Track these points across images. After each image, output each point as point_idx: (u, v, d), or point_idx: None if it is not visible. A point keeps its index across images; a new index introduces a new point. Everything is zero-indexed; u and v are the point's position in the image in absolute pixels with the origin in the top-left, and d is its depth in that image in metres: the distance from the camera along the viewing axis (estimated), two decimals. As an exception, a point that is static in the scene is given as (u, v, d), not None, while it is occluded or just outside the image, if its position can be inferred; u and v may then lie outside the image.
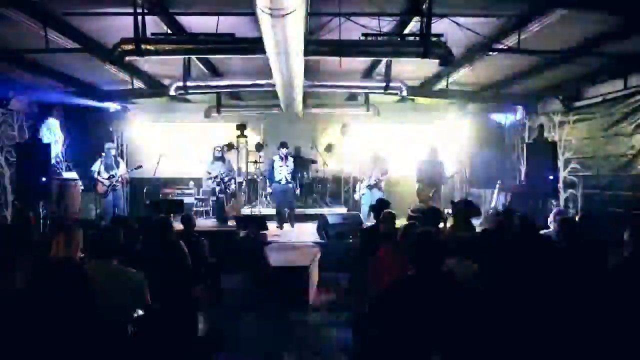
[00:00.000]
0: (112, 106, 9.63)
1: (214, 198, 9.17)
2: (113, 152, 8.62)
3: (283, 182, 8.40)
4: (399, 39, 5.38)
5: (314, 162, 10.55)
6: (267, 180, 8.82)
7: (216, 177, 8.92)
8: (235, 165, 9.78)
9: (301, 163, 10.05)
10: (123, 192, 8.83)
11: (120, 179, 8.48)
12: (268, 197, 9.88)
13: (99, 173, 8.30)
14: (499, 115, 10.06)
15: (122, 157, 9.47)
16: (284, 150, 8.44)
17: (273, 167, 8.51)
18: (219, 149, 9.13)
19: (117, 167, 8.50)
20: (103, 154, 8.40)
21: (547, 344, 2.63)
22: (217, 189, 9.00)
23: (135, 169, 8.94)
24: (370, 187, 8.81)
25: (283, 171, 8.39)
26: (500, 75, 7.89)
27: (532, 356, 2.66)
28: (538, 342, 2.62)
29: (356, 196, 9.16)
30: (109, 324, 2.78)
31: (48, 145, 7.67)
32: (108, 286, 2.97)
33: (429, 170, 9.03)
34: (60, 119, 9.10)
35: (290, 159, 8.55)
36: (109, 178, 8.34)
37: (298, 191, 8.98)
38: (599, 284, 2.99)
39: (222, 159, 9.07)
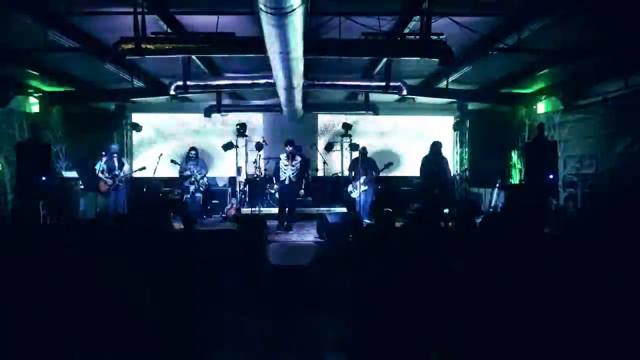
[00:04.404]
0: (112, 105, 9.64)
1: (188, 196, 9.20)
2: (117, 152, 8.74)
3: (287, 182, 8.17)
4: (399, 38, 5.38)
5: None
6: (273, 179, 8.66)
7: (190, 176, 9.00)
8: (234, 165, 9.81)
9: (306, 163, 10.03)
10: (125, 191, 8.88)
11: (123, 179, 8.56)
12: (269, 196, 9.85)
13: (102, 172, 8.38)
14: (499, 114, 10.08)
15: (123, 157, 9.49)
16: (290, 149, 8.10)
17: (278, 167, 8.26)
18: (194, 150, 9.24)
19: (121, 167, 8.59)
20: (103, 153, 8.49)
21: (545, 341, 2.63)
22: (192, 187, 9.12)
23: (139, 169, 8.95)
24: (364, 184, 8.82)
25: (287, 171, 8.14)
26: (500, 75, 7.90)
27: (530, 353, 2.66)
28: (536, 338, 2.62)
29: (354, 195, 9.15)
30: (108, 322, 2.78)
31: (48, 145, 7.67)
32: (107, 285, 2.97)
33: (433, 168, 9.01)
34: (60, 118, 9.09)
35: (298, 159, 8.23)
36: (112, 177, 8.41)
37: (303, 192, 8.75)
38: (598, 284, 2.98)
39: (195, 159, 9.18)
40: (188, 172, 9.08)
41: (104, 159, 8.49)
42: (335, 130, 10.88)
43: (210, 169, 9.85)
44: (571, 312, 2.71)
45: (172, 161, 9.29)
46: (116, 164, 8.54)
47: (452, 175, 9.29)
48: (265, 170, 9.68)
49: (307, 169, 10.38)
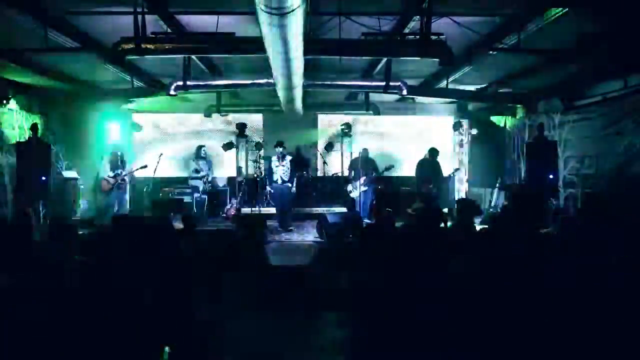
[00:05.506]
0: (112, 105, 9.64)
1: (197, 195, 9.21)
2: (119, 152, 8.82)
3: (279, 182, 8.38)
4: (398, 38, 5.37)
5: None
6: (267, 180, 8.85)
7: (203, 176, 9.03)
8: (235, 165, 9.84)
9: (301, 162, 10.04)
10: (126, 191, 8.93)
11: (125, 178, 8.60)
12: (268, 196, 9.88)
13: (105, 172, 8.44)
14: (499, 114, 10.09)
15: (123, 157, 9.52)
16: (279, 150, 8.38)
17: (271, 167, 8.49)
18: (203, 147, 9.28)
19: (124, 166, 8.64)
20: (105, 153, 8.56)
21: (543, 342, 2.63)
22: (202, 187, 9.17)
23: (141, 168, 8.97)
24: (364, 184, 8.86)
25: (279, 171, 8.37)
26: (500, 75, 7.90)
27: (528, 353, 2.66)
28: (534, 340, 2.62)
29: (354, 194, 9.15)
30: (107, 323, 2.78)
31: (48, 145, 7.67)
32: (107, 285, 2.97)
33: (428, 170, 9.06)
34: (60, 118, 9.10)
35: (288, 159, 8.46)
36: (114, 177, 8.46)
37: (294, 190, 8.84)
38: (598, 283, 2.98)
39: (205, 158, 9.27)
40: (203, 172, 9.11)
41: (107, 158, 8.56)
42: (335, 130, 10.88)
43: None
44: (574, 313, 2.71)
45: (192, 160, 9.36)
46: (119, 163, 8.61)
47: (444, 177, 9.34)
48: (265, 170, 9.70)
49: (306, 168, 10.43)
